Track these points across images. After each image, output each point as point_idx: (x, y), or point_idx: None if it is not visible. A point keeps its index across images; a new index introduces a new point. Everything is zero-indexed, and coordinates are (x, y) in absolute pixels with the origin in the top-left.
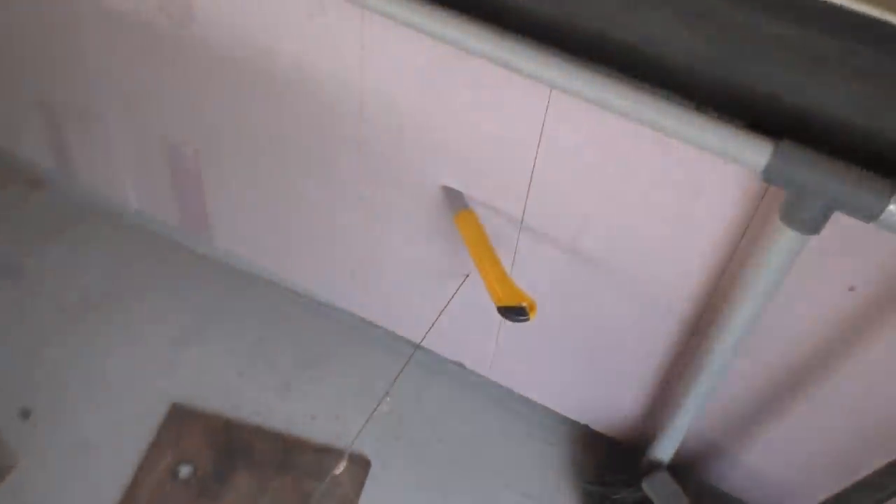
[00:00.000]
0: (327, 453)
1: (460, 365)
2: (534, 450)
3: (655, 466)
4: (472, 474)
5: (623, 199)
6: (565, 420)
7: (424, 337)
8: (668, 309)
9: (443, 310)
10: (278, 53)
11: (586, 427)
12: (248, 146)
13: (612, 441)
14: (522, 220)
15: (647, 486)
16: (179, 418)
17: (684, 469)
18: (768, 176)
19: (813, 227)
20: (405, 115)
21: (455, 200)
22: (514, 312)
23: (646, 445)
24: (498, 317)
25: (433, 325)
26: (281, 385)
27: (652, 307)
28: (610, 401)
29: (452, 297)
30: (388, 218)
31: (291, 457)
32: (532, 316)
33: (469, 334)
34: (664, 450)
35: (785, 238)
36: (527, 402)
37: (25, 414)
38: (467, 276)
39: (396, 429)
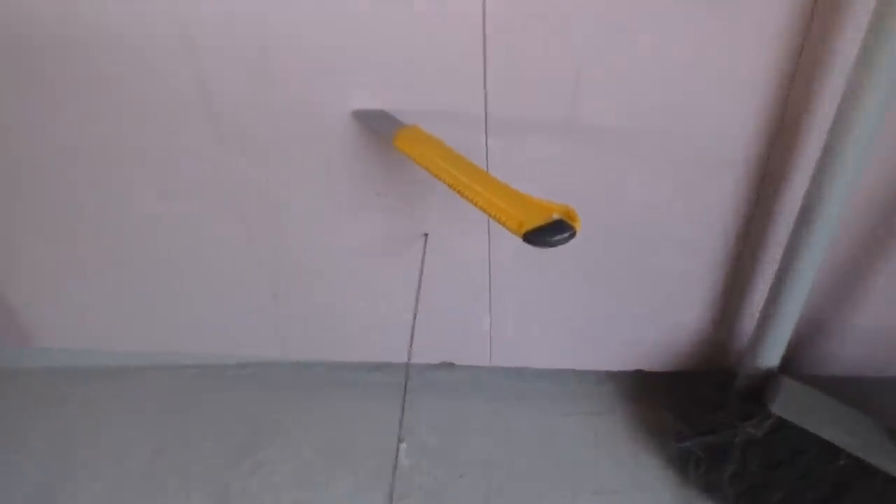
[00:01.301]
0: None
1: (449, 365)
2: (583, 430)
3: (766, 378)
4: (524, 499)
5: (626, 36)
6: (607, 376)
7: (412, 347)
8: (718, 175)
9: (417, 304)
10: (29, 15)
11: (639, 374)
12: (37, 182)
13: (680, 377)
14: (487, 115)
15: (779, 407)
16: None
17: (784, 370)
18: None
19: None
20: (266, 34)
21: (381, 124)
22: (550, 233)
23: (731, 362)
24: (487, 278)
25: (413, 327)
26: (218, 494)
27: (696, 179)
28: (665, 325)
29: (421, 276)
30: (285, 200)
31: None
32: (578, 226)
33: (451, 318)
34: (771, 353)
35: None
36: (549, 375)
37: None
38: (426, 236)
39: (403, 483)
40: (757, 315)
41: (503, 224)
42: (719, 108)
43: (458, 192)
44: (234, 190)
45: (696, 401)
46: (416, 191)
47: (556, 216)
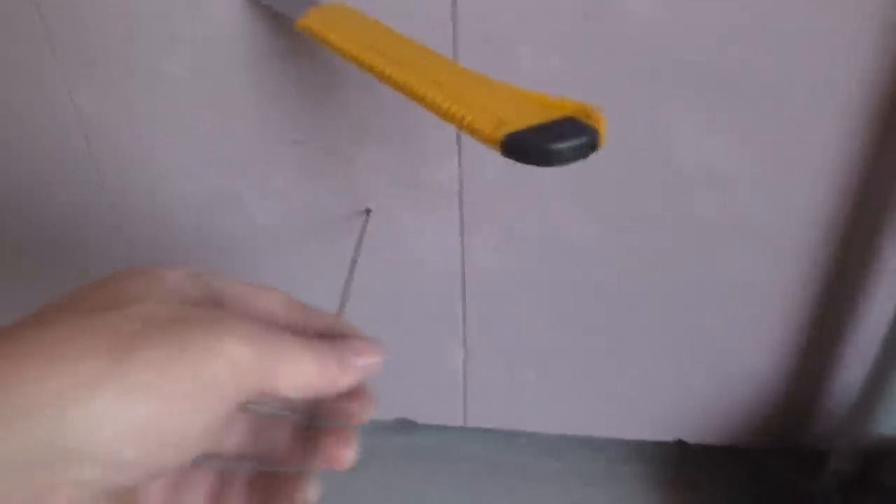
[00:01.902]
0: None
1: (408, 424)
2: None
3: (883, 456)
4: None
5: None
6: (634, 450)
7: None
8: (818, 124)
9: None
10: None
11: (680, 447)
12: None
13: (739, 454)
14: (455, 3)
15: None
16: None
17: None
18: None
19: None
20: None
21: (289, 7)
22: (552, 136)
23: (818, 432)
24: (460, 287)
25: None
26: None
27: (786, 132)
28: (720, 376)
29: (350, 276)
30: (147, 148)
31: None
32: (601, 129)
33: (409, 350)
34: (891, 417)
35: None
36: (550, 444)
37: None
38: (368, 213)
39: None
40: (869, 359)
41: (469, 127)
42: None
43: (396, 83)
44: (75, 130)
45: (767, 489)
46: (355, 137)
47: (565, 115)
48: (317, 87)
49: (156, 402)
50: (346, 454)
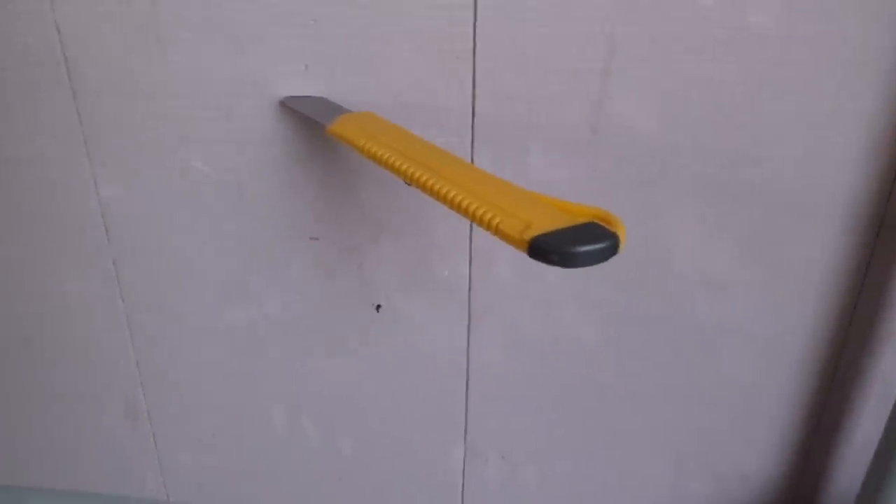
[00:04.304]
0: None
1: None
2: None
3: None
4: None
5: None
6: None
7: None
8: (809, 225)
9: None
10: None
11: None
12: None
13: None
14: (474, 113)
15: None
16: None
17: None
18: None
19: None
20: None
21: (319, 114)
22: (576, 239)
23: None
24: (464, 383)
25: None
26: None
27: (781, 233)
28: (718, 471)
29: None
30: (173, 247)
31: None
32: (622, 234)
33: (404, 444)
34: None
35: None
36: None
37: None
38: (377, 308)
39: None
40: (867, 460)
41: (497, 229)
42: (820, 108)
43: (423, 184)
44: (96, 221)
45: None
46: (370, 235)
47: (583, 221)
48: (335, 188)
49: None
50: None
